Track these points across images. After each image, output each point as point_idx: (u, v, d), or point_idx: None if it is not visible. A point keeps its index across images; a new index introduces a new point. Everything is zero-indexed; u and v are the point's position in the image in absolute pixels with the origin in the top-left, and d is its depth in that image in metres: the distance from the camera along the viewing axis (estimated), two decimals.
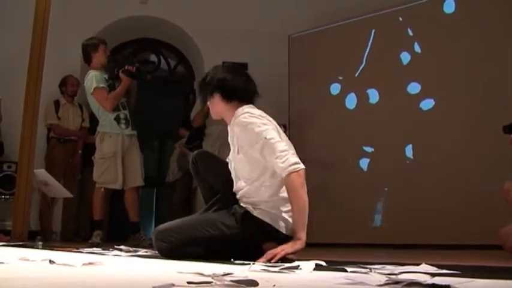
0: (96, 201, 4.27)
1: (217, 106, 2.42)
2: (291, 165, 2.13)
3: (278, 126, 2.42)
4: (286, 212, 2.26)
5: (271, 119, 2.38)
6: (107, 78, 4.29)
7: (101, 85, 4.20)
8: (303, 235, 2.12)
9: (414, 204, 4.40)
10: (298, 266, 1.55)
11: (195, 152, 2.62)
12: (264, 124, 2.25)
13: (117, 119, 4.26)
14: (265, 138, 2.20)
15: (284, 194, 2.25)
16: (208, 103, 2.47)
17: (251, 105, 2.40)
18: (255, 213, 2.29)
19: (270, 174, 2.26)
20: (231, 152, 2.45)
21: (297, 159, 2.17)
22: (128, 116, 4.33)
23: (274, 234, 2.26)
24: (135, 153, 4.36)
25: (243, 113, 2.30)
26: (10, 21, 5.60)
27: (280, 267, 1.55)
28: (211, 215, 2.36)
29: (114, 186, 4.26)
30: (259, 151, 2.22)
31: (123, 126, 4.27)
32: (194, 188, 5.64)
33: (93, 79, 4.19)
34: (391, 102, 4.74)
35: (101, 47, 4.35)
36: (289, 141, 2.43)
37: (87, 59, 4.39)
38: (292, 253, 2.09)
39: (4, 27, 5.65)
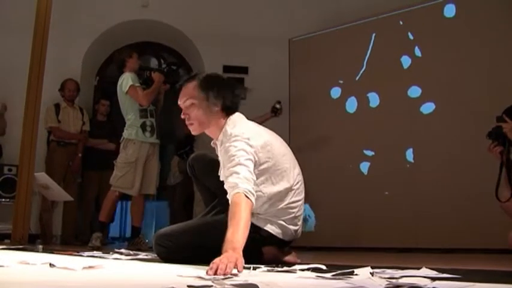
0: (107, 204, 4.32)
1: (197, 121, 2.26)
2: (242, 193, 1.93)
3: (276, 136, 2.35)
4: (283, 220, 2.27)
5: (262, 133, 2.27)
6: (141, 82, 4.43)
7: (137, 84, 4.32)
8: (236, 248, 1.76)
9: (415, 207, 4.39)
10: (353, 271, 1.51)
11: (192, 155, 2.59)
12: (244, 150, 2.08)
13: (143, 127, 4.34)
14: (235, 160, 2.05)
15: (281, 205, 2.25)
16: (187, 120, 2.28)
17: (240, 115, 2.31)
18: (252, 219, 2.28)
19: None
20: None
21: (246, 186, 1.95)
22: (154, 124, 4.41)
23: (271, 239, 2.26)
24: (154, 161, 4.44)
25: (232, 137, 2.13)
26: (11, 25, 5.60)
27: (334, 274, 1.50)
28: (211, 219, 2.36)
29: (129, 191, 4.31)
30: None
31: (148, 134, 4.35)
32: (194, 191, 5.63)
33: (129, 78, 4.31)
34: (392, 106, 4.74)
35: (134, 54, 4.53)
36: (291, 154, 2.38)
37: (121, 65, 4.50)
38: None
39: (5, 31, 5.66)
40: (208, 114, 2.24)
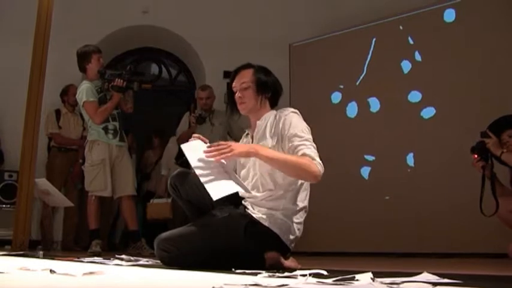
0: (90, 211, 4.27)
1: (252, 100, 2.46)
2: (319, 163, 2.36)
3: None
4: (297, 223, 2.34)
5: None
6: (99, 89, 4.30)
7: (91, 99, 4.21)
8: (258, 149, 2.22)
9: (415, 212, 4.39)
10: (354, 276, 1.49)
11: (172, 175, 2.46)
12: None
13: (105, 129, 4.27)
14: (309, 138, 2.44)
15: (301, 204, 2.41)
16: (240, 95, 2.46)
17: None
18: (266, 222, 2.28)
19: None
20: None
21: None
22: (118, 128, 4.33)
23: (275, 245, 2.25)
24: (126, 162, 4.37)
25: (294, 110, 2.45)
26: (11, 31, 5.62)
27: (335, 279, 1.50)
28: (214, 223, 2.34)
29: (103, 193, 4.25)
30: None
31: (110, 136, 4.28)
32: None
33: (84, 92, 4.21)
34: (392, 111, 4.74)
35: (93, 57, 4.34)
36: None
37: (81, 68, 4.42)
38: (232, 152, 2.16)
39: (5, 36, 5.68)
40: (260, 98, 2.46)
